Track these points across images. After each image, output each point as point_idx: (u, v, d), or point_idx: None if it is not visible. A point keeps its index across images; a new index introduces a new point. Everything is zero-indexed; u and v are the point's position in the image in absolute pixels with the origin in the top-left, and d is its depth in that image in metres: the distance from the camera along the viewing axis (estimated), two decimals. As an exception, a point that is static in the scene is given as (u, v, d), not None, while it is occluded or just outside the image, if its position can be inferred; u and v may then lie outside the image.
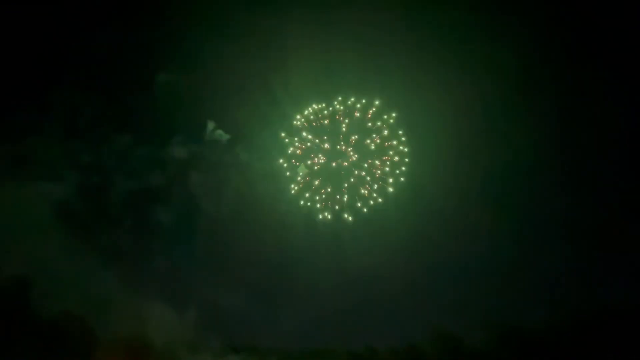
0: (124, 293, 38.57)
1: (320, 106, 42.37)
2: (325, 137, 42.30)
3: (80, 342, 36.57)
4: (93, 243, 39.55)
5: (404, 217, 43.28)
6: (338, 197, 41.73)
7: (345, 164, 41.92)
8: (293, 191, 42.06)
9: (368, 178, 42.10)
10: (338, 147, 41.95)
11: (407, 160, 42.08)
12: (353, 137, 41.84)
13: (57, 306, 36.70)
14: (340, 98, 42.20)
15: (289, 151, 42.73)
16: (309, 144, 42.37)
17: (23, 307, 36.25)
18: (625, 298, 36.24)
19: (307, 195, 41.89)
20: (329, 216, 41.69)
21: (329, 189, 41.83)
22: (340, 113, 41.84)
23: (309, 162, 42.50)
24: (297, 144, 42.62)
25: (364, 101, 42.04)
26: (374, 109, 41.69)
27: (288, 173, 42.36)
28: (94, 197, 40.59)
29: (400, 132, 42.19)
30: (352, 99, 42.02)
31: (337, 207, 41.76)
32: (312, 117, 42.52)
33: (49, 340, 35.64)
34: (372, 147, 42.06)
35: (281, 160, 42.61)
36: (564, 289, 39.52)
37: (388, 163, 41.92)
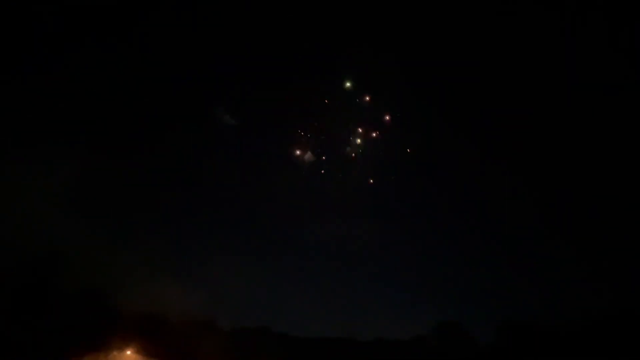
0: (143, 270, 40.22)
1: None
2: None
3: (102, 317, 38.52)
4: (116, 222, 41.41)
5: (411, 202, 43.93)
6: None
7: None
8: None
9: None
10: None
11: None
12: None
13: (80, 282, 38.75)
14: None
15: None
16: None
17: (49, 282, 38.25)
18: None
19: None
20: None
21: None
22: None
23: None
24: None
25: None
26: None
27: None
28: (117, 176, 41.81)
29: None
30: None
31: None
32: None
33: (72, 314, 37.43)
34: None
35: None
36: (575, 284, 39.72)
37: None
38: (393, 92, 40.38)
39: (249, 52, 41.61)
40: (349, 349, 40.41)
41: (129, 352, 38.82)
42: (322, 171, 39.45)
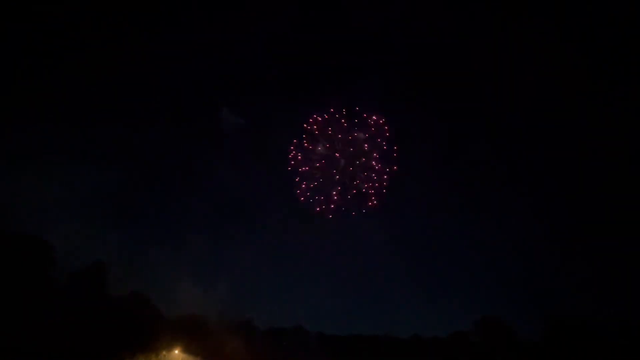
0: (184, 276, 41.92)
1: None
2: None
3: (148, 319, 40.92)
4: (151, 230, 43.16)
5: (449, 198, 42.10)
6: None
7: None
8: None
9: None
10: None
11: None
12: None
13: (127, 288, 41.27)
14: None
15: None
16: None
17: (99, 288, 40.95)
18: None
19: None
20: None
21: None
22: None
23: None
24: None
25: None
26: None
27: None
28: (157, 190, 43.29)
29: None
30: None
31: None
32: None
33: (120, 317, 39.97)
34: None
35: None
36: (629, 283, 36.34)
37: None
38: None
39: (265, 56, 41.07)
40: (386, 347, 40.32)
41: (176, 352, 41.38)
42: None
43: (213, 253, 45.09)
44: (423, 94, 40.81)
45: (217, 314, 42.19)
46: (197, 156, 44.26)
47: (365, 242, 42.19)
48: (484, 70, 39.22)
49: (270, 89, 41.93)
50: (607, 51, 35.40)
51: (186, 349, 41.02)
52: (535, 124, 40.46)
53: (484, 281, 42.01)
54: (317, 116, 36.63)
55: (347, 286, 42.84)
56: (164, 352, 40.93)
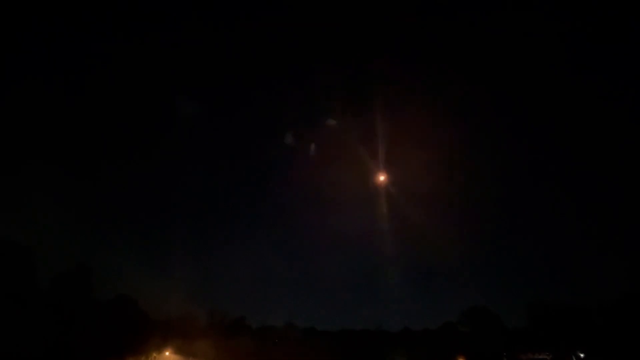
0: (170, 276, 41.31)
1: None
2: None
3: (136, 321, 40.14)
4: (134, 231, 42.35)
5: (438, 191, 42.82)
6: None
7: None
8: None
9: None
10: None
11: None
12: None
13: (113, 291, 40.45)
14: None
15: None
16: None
17: (84, 292, 39.97)
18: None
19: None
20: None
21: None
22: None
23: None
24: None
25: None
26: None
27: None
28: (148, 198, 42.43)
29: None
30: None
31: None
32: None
33: (107, 320, 39.08)
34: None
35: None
36: (603, 264, 38.07)
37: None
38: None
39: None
40: (377, 340, 40.73)
41: (167, 353, 40.71)
42: None
43: (202, 253, 44.73)
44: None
45: (208, 314, 41.79)
46: (183, 155, 43.66)
47: (356, 241, 42.55)
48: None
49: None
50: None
51: (177, 350, 40.45)
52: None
53: (470, 274, 43.10)
54: None
55: (338, 284, 43.15)
56: (154, 354, 40.21)
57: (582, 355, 36.33)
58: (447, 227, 44.69)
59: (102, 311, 39.05)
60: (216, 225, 46.37)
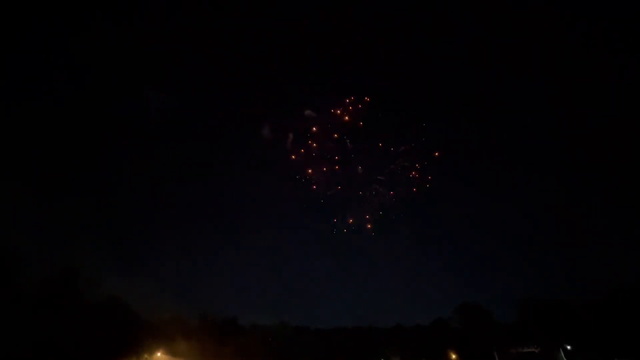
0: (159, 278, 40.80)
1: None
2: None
3: (125, 324, 39.62)
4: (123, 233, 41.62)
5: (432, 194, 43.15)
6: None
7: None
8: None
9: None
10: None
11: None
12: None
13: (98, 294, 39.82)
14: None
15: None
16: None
17: (72, 294, 39.25)
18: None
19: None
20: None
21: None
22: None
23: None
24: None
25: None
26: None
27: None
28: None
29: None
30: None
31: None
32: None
33: (97, 323, 38.51)
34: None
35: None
36: (594, 260, 38.94)
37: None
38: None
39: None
40: (369, 337, 41.05)
41: (159, 354, 40.38)
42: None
43: (193, 254, 44.37)
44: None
45: (200, 315, 41.54)
46: (171, 157, 42.94)
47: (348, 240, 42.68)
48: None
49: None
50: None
51: (169, 351, 40.16)
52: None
53: (462, 270, 43.66)
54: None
55: (331, 282, 43.30)
56: (146, 356, 39.88)
57: (569, 347, 37.27)
58: (438, 224, 44.89)
59: (92, 313, 38.50)
60: (207, 226, 45.83)
